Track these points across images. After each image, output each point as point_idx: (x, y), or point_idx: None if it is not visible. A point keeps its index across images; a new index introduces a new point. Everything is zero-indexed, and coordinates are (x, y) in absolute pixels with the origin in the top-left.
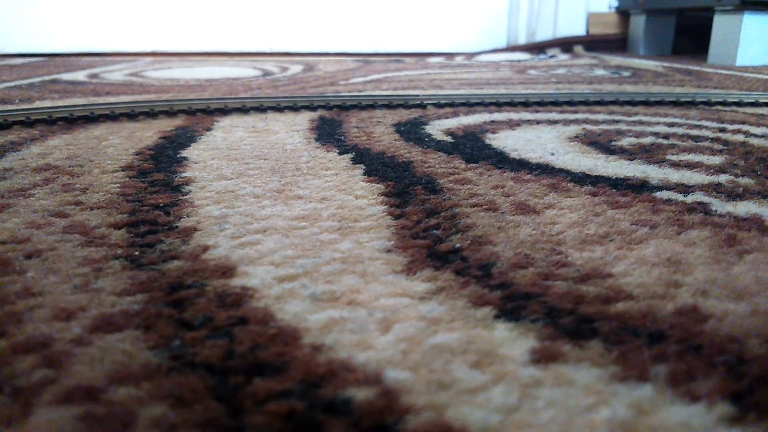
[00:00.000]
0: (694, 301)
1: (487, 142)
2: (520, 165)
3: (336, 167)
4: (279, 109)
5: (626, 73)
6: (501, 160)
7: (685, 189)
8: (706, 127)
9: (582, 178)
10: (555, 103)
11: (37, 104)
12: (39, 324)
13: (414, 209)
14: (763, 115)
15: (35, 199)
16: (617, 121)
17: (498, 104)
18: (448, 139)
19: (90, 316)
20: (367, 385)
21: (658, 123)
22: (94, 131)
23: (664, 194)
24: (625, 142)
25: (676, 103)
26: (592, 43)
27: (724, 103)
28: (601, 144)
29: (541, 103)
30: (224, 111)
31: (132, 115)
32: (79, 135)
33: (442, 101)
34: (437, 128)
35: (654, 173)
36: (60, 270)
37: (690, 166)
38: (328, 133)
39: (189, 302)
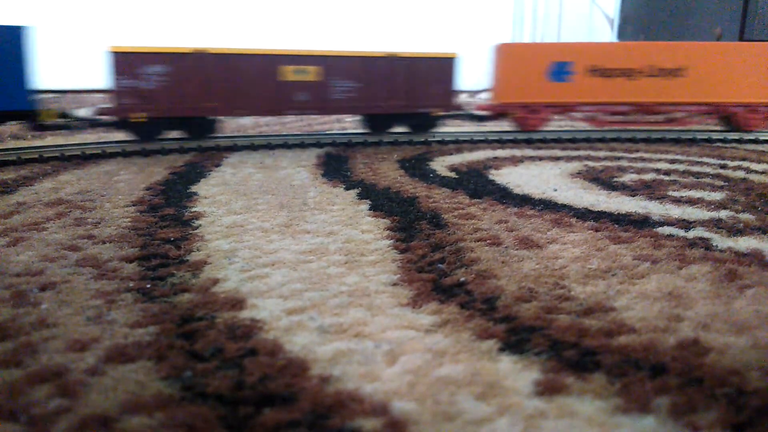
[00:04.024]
0: (696, 334)
1: (491, 177)
2: (524, 200)
3: (342, 202)
4: (287, 146)
5: None
6: (504, 196)
7: (687, 224)
8: (708, 164)
9: (584, 214)
10: (557, 140)
11: (49, 140)
12: (53, 354)
13: (419, 243)
14: (763, 151)
15: (48, 233)
16: (619, 158)
17: (501, 141)
18: (453, 174)
19: (103, 347)
20: (374, 416)
21: (659, 160)
22: (105, 166)
23: (665, 230)
24: (627, 178)
25: (677, 141)
26: None
27: (724, 140)
28: (603, 180)
29: (543, 140)
30: (233, 148)
31: (143, 152)
32: (91, 170)
33: (446, 138)
34: (441, 164)
35: (655, 209)
36: (73, 302)
37: (691, 202)
38: (334, 169)
39: (200, 334)
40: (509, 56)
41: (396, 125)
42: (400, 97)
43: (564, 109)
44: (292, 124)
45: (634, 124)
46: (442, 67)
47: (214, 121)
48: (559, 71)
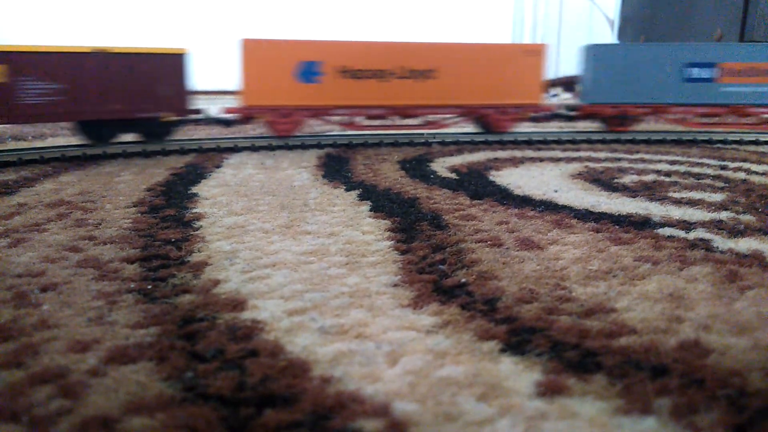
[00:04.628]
0: (697, 335)
1: (492, 178)
2: (524, 201)
3: (343, 203)
4: (287, 147)
5: None
6: (505, 197)
7: (687, 226)
8: (708, 165)
9: (585, 215)
10: (558, 142)
11: (50, 141)
12: (55, 355)
13: (420, 244)
14: (763, 153)
15: (49, 234)
16: (619, 159)
17: (501, 142)
18: (453, 176)
19: (105, 348)
20: (375, 417)
21: (660, 161)
22: (105, 167)
23: (666, 231)
24: (628, 179)
25: (677, 142)
26: None
27: (725, 142)
28: (604, 181)
29: (544, 142)
30: (234, 149)
31: (144, 154)
32: (91, 171)
33: (447, 140)
34: (442, 165)
35: (656, 210)
36: (75, 303)
37: (692, 203)
38: (335, 170)
39: (201, 335)
40: (256, 54)
41: (120, 133)
42: (118, 100)
43: (316, 112)
44: None
45: (391, 128)
46: (170, 65)
47: None
48: (308, 71)
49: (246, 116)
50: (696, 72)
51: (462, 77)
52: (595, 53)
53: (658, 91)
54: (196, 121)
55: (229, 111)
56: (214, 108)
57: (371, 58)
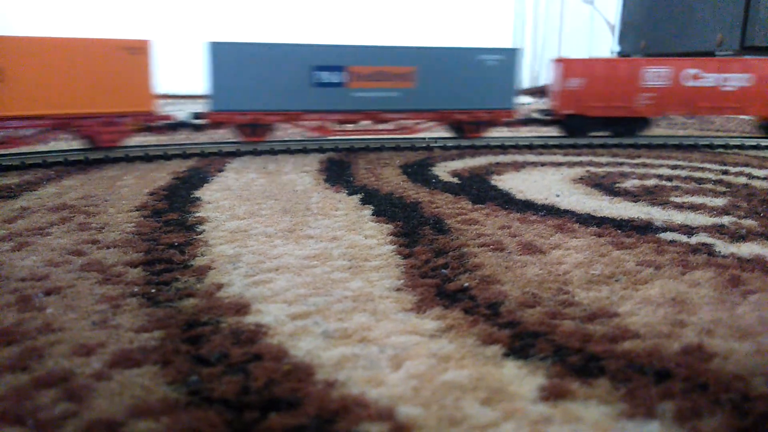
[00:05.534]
0: (700, 340)
1: (493, 183)
2: (526, 206)
3: (345, 207)
4: (289, 151)
5: None
6: (507, 201)
7: (689, 230)
8: (709, 170)
9: (587, 219)
10: (559, 146)
11: (52, 145)
12: (59, 359)
13: (422, 249)
14: (765, 157)
15: (53, 238)
16: (621, 164)
17: (503, 147)
18: (455, 180)
19: (109, 352)
20: (379, 421)
21: (661, 165)
22: (108, 171)
23: (668, 235)
24: (629, 184)
25: (679, 147)
26: None
27: (726, 146)
28: (606, 186)
29: (545, 146)
30: (236, 153)
31: (146, 158)
32: (94, 175)
33: (449, 144)
34: (444, 170)
35: (658, 215)
36: (79, 307)
37: (693, 207)
38: (337, 175)
39: (205, 339)
40: None
41: None
42: None
43: None
44: (294, 130)
45: None
46: None
47: None
48: None
49: None
50: (326, 76)
51: (42, 80)
52: (218, 53)
53: (289, 97)
54: None
55: None
56: None
57: None
